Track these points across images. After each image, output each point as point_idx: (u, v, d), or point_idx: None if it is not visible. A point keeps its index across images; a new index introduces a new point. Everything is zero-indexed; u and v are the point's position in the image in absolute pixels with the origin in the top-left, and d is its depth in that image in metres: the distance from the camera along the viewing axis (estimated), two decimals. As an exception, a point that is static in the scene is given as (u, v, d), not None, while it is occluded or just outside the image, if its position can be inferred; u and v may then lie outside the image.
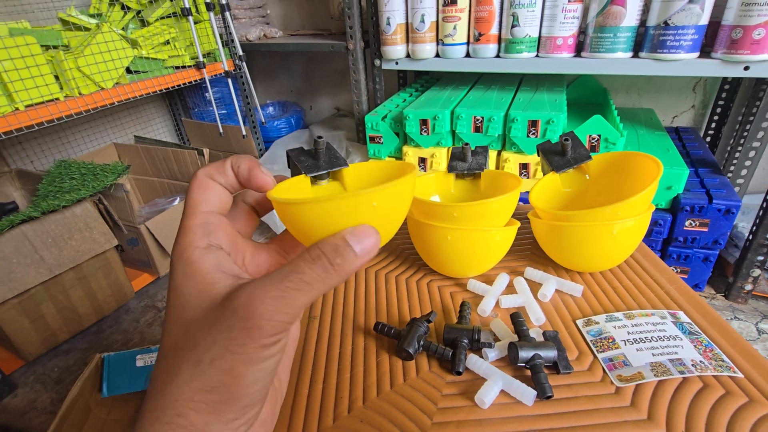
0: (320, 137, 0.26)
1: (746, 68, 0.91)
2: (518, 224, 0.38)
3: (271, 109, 1.86)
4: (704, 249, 1.03)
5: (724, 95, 1.29)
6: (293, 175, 0.27)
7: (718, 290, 1.16)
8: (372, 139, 1.24)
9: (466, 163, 0.42)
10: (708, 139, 1.37)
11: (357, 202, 0.19)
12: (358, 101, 1.38)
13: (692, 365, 0.29)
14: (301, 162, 0.26)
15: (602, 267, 0.39)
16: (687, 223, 0.99)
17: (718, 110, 1.32)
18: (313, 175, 0.26)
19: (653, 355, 0.30)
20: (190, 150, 1.31)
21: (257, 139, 1.57)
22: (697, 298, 0.36)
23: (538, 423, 0.27)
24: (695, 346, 0.31)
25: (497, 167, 1.14)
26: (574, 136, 0.41)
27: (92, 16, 1.20)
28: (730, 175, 1.13)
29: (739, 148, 1.04)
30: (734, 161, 1.08)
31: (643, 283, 0.38)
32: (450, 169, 0.42)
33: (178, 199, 1.35)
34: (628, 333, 0.32)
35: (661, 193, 1.01)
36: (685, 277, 1.08)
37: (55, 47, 1.05)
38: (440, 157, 1.17)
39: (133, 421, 0.87)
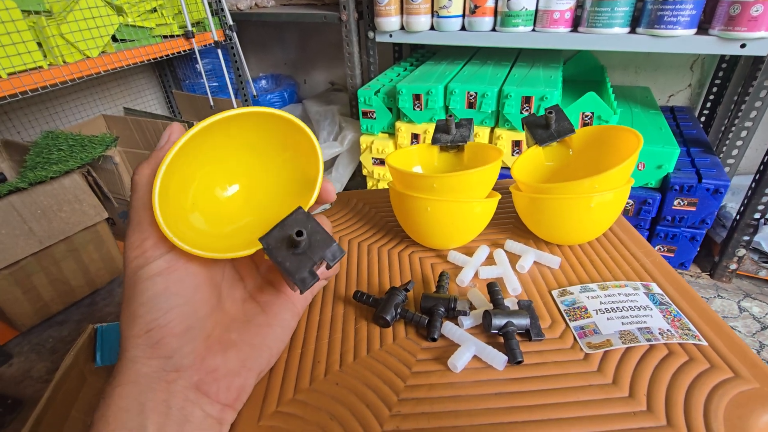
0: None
1: (743, 46, 0.90)
2: (499, 196, 0.38)
3: (264, 82, 1.82)
4: (691, 228, 1.04)
5: (720, 74, 1.28)
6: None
7: (704, 269, 1.18)
8: (365, 114, 1.23)
9: (449, 135, 0.42)
10: (703, 119, 1.36)
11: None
12: (352, 75, 1.36)
13: (659, 333, 0.30)
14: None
15: (581, 240, 0.39)
16: (675, 202, 1.00)
17: (714, 90, 1.31)
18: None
19: (623, 323, 0.31)
20: (181, 122, 1.29)
21: (249, 112, 1.55)
22: (671, 270, 0.37)
23: (507, 386, 0.28)
24: (664, 315, 0.32)
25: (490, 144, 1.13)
26: (558, 109, 0.41)
27: (75, -20, 1.15)
28: (722, 155, 1.13)
29: (733, 128, 1.04)
30: (727, 141, 1.08)
31: (620, 255, 0.39)
32: (434, 141, 0.42)
33: (169, 172, 1.33)
34: (601, 303, 0.33)
35: (651, 172, 1.01)
36: (672, 255, 1.10)
37: (36, 12, 1.01)
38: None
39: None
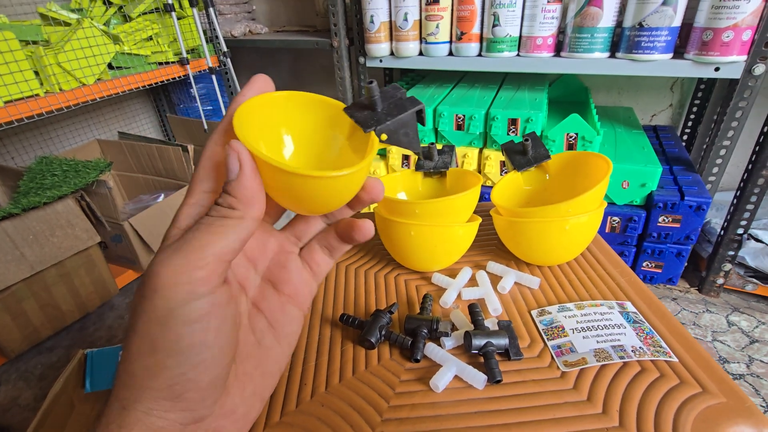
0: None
1: (717, 69, 0.94)
2: (480, 220, 0.40)
3: (257, 105, 1.85)
4: (677, 244, 1.06)
5: (700, 95, 1.32)
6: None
7: (692, 284, 1.20)
8: (356, 136, 1.25)
9: (432, 162, 0.44)
10: (685, 137, 1.41)
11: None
12: (343, 99, 1.39)
13: (632, 351, 0.31)
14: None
15: (558, 260, 0.41)
16: (660, 219, 1.03)
17: (695, 109, 1.35)
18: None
19: (597, 342, 0.32)
20: (175, 146, 1.31)
21: (243, 135, 1.57)
22: (645, 289, 0.38)
23: (487, 405, 0.29)
24: (637, 333, 0.33)
25: (479, 164, 1.16)
26: (534, 137, 0.43)
27: (73, 11, 1.19)
28: (704, 172, 1.17)
29: (713, 147, 1.08)
30: (708, 159, 1.11)
31: (596, 275, 0.40)
32: (417, 167, 0.44)
33: (162, 195, 1.34)
34: (577, 322, 0.34)
35: (635, 190, 1.04)
36: (659, 271, 1.11)
37: (34, 42, 1.04)
38: (423, 154, 1.18)
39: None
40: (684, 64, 0.97)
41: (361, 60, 1.30)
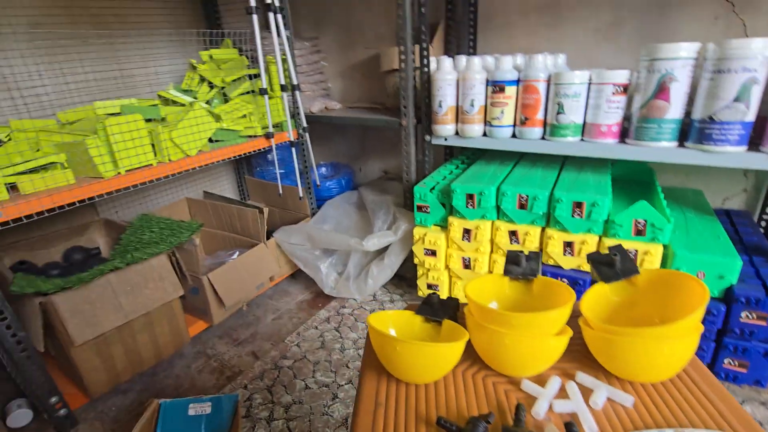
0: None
1: (797, 164, 0.92)
2: (571, 333, 0.42)
3: (324, 169, 2.00)
4: (765, 342, 0.98)
5: (778, 181, 1.27)
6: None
7: (784, 387, 1.08)
8: (419, 208, 1.32)
9: (520, 268, 0.47)
10: (763, 224, 1.34)
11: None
12: (408, 171, 1.48)
13: (742, 493, 0.31)
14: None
15: (652, 379, 0.41)
16: (743, 315, 0.97)
17: (773, 195, 1.30)
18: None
19: (703, 478, 0.32)
20: (252, 209, 1.44)
21: (311, 199, 1.70)
22: (748, 418, 0.38)
23: None
24: (745, 472, 0.33)
25: (541, 245, 1.17)
26: (622, 250, 0.45)
27: (185, 91, 1.40)
28: (789, 264, 1.10)
29: (797, 239, 1.02)
30: (793, 251, 1.05)
31: (693, 396, 0.40)
32: (506, 272, 0.47)
33: (237, 252, 1.46)
34: (678, 452, 0.34)
35: (712, 282, 0.99)
36: (744, 371, 1.02)
37: (154, 120, 1.23)
38: (484, 229, 1.22)
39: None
40: (760, 157, 0.96)
41: (427, 138, 1.40)
